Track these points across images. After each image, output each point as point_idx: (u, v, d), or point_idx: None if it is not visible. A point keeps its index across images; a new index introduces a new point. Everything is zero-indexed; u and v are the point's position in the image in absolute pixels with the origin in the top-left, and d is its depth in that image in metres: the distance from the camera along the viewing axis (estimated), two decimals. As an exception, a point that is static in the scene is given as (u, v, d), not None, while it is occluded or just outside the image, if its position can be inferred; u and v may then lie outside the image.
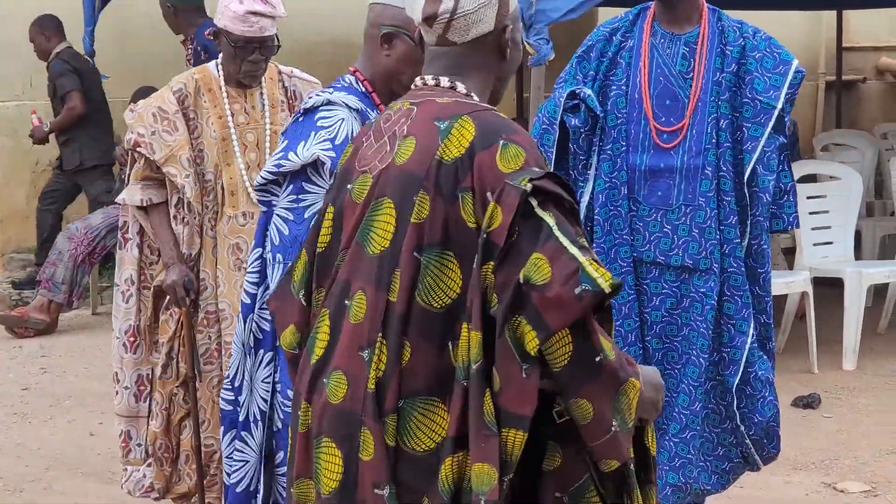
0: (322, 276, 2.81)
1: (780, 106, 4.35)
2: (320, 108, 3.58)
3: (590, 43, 4.54)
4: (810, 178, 8.73)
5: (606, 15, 10.88)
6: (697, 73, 4.38)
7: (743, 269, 4.43)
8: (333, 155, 3.47)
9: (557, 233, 2.50)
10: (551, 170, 2.63)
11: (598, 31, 4.56)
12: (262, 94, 4.91)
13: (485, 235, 2.53)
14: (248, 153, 4.86)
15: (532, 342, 2.48)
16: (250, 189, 4.78)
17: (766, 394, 4.47)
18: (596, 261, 2.50)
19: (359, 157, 2.78)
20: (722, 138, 4.37)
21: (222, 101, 4.87)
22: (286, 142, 3.59)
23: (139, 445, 5.09)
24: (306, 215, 3.49)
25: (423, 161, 2.63)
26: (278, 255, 3.57)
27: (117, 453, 6.22)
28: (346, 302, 2.69)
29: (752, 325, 4.46)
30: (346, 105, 3.54)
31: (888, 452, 6.36)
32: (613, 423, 2.52)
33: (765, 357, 4.50)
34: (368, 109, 3.56)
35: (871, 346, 8.22)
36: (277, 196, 3.59)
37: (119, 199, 5.00)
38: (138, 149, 4.82)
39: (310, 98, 3.64)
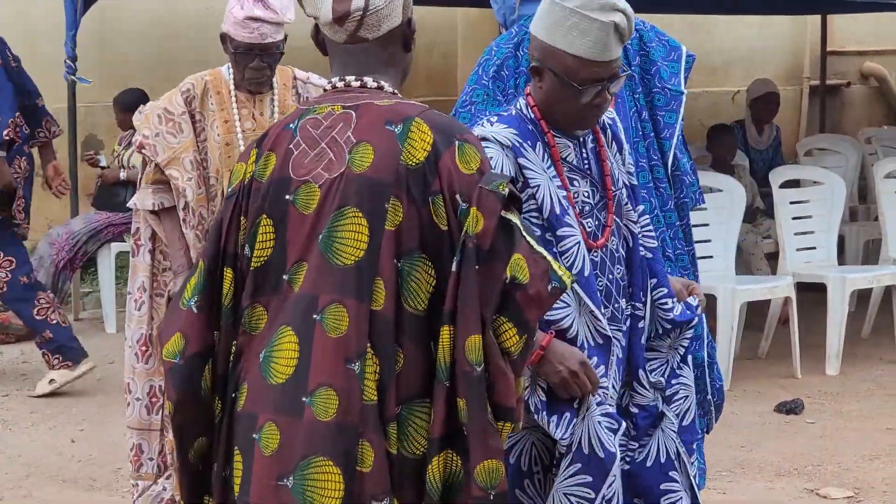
0: (261, 292, 2.72)
1: (685, 91, 4.43)
2: None
3: (498, 62, 4.45)
4: (794, 183, 8.73)
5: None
6: None
7: (685, 249, 4.54)
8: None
9: (525, 234, 2.62)
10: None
11: (500, 50, 4.48)
12: (272, 100, 4.82)
13: (473, 240, 2.58)
14: None
15: (512, 339, 2.61)
16: None
17: (715, 357, 4.60)
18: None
19: (292, 166, 2.71)
20: (647, 129, 4.43)
21: (230, 105, 4.80)
22: None
23: (151, 459, 4.97)
24: None
25: (388, 167, 2.63)
26: None
27: (98, 460, 6.23)
28: (316, 316, 2.63)
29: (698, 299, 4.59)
30: (499, 142, 3.39)
31: (871, 458, 6.36)
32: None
33: (706, 326, 4.62)
34: (526, 143, 3.40)
35: (854, 351, 8.22)
36: None
37: (130, 203, 4.94)
38: (143, 150, 4.77)
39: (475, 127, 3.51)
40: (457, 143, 2.65)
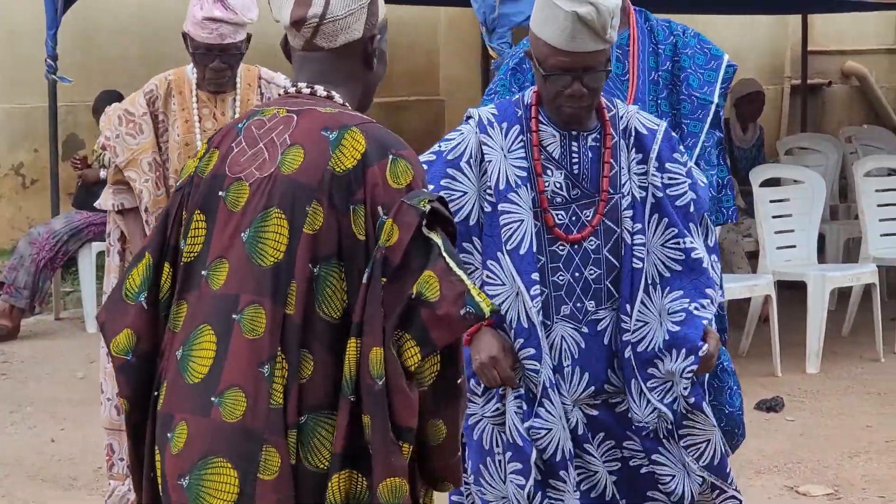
0: (186, 288, 2.68)
1: (716, 101, 4.36)
2: (464, 121, 3.64)
3: (520, 56, 4.43)
4: (774, 182, 8.76)
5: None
6: (632, 74, 4.37)
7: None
8: (424, 168, 3.54)
9: (445, 254, 2.54)
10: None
11: (526, 42, 4.54)
12: (235, 99, 4.82)
13: (383, 251, 2.54)
14: None
15: (413, 358, 2.52)
16: None
17: (731, 384, 4.44)
18: (477, 286, 2.58)
19: (229, 163, 2.69)
20: None
21: (191, 104, 4.80)
22: None
23: (121, 460, 4.98)
24: None
25: (315, 171, 2.60)
26: None
27: (78, 459, 6.22)
28: (235, 316, 2.59)
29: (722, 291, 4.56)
30: (480, 118, 3.56)
31: (851, 455, 6.38)
32: (458, 446, 2.63)
33: (723, 348, 4.53)
34: (498, 123, 3.55)
35: (834, 349, 8.25)
36: None
37: (97, 204, 4.96)
38: (105, 151, 4.78)
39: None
40: (391, 156, 2.61)
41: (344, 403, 2.55)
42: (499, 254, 3.48)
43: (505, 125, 3.55)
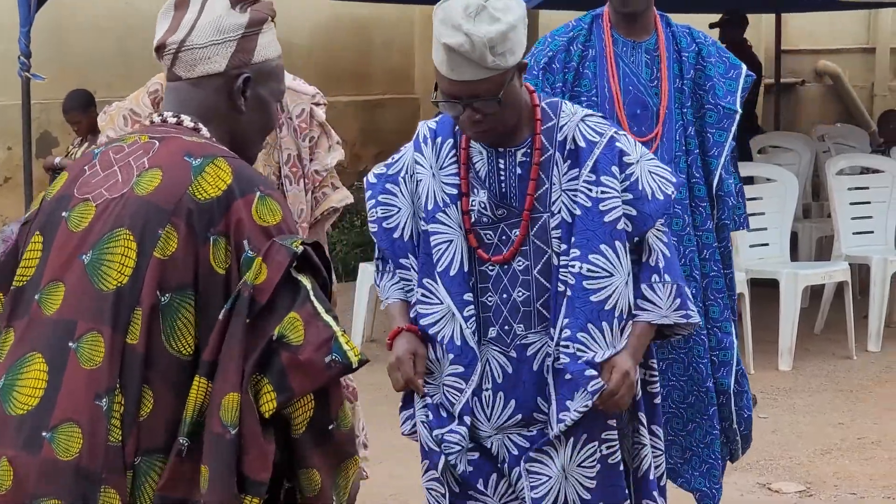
0: (15, 315, 2.46)
1: (740, 110, 4.38)
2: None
3: (550, 53, 4.45)
4: (747, 181, 8.77)
5: (547, 18, 10.91)
6: (663, 78, 4.37)
7: (722, 272, 4.47)
8: (374, 181, 3.55)
9: (313, 298, 2.38)
10: None
11: (554, 42, 4.47)
12: None
13: (250, 289, 2.35)
14: None
15: (269, 404, 2.34)
16: None
17: (747, 386, 4.57)
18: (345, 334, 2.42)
19: (78, 185, 2.49)
20: (692, 145, 4.38)
21: None
22: None
23: None
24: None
25: (173, 194, 2.41)
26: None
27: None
28: (72, 345, 2.38)
29: (733, 325, 4.55)
30: (418, 133, 3.51)
31: (823, 452, 6.41)
32: (333, 498, 2.44)
33: (738, 353, 4.60)
34: (432, 139, 3.49)
35: (806, 346, 8.29)
36: None
37: None
38: None
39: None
40: (259, 193, 2.43)
41: (175, 447, 2.35)
42: (434, 273, 3.41)
43: (440, 140, 3.45)
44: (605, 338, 3.37)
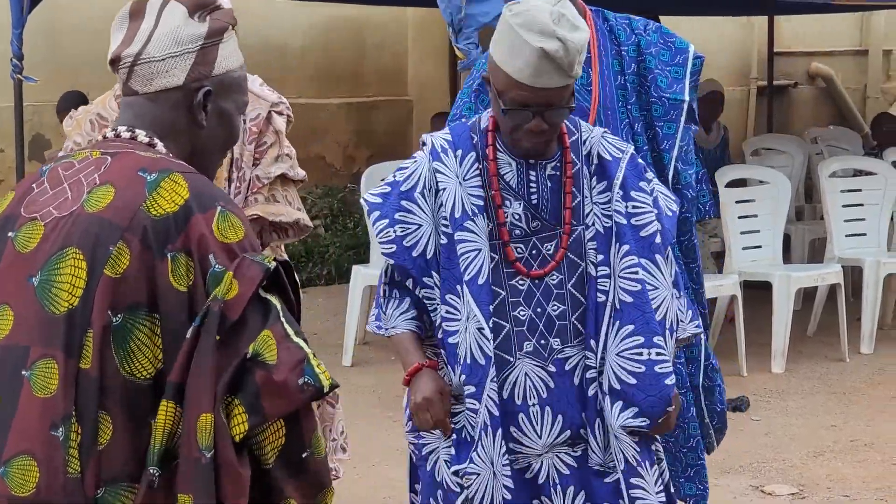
0: None
1: (686, 98, 4.21)
2: (420, 147, 3.47)
3: (484, 73, 4.44)
4: (740, 183, 8.80)
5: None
6: (595, 81, 4.18)
7: (682, 267, 4.29)
8: (379, 201, 3.40)
9: (283, 318, 2.25)
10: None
11: (484, 65, 4.43)
12: None
13: (220, 304, 2.22)
14: None
15: (240, 426, 2.20)
16: None
17: (719, 380, 4.45)
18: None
19: (25, 203, 2.36)
20: (639, 142, 4.21)
21: None
22: None
23: None
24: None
25: (126, 210, 2.28)
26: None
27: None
28: (25, 372, 2.25)
29: (698, 318, 4.42)
30: (433, 144, 3.40)
31: (816, 455, 6.41)
32: None
33: (709, 345, 4.46)
34: (452, 150, 3.38)
35: (799, 349, 8.30)
36: None
37: None
38: None
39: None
40: (219, 208, 2.30)
41: (145, 478, 2.22)
42: (457, 286, 3.31)
43: (460, 152, 3.37)
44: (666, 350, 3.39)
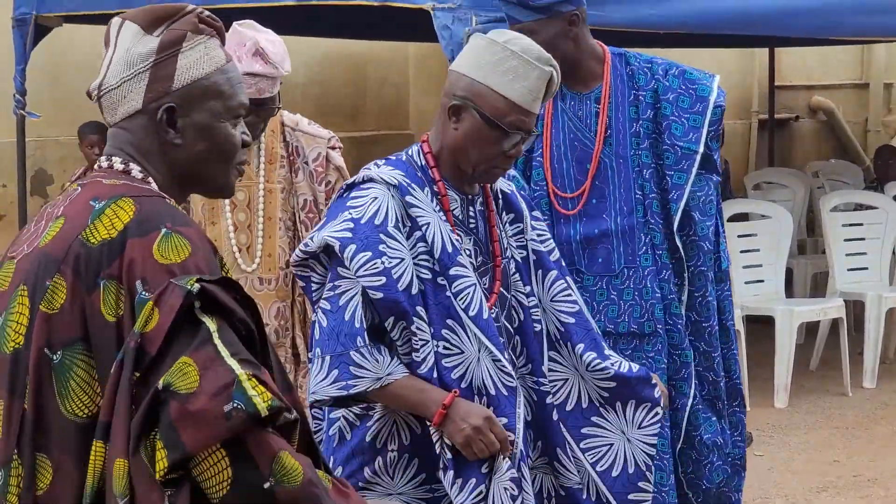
0: None
1: (701, 149, 4.13)
2: (359, 185, 3.26)
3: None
4: (741, 217, 8.80)
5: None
6: (601, 130, 4.15)
7: (681, 326, 4.18)
8: (349, 235, 3.15)
9: (217, 339, 2.08)
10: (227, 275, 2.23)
11: None
12: (259, 148, 4.50)
13: (137, 339, 2.09)
14: (237, 213, 4.47)
15: (161, 463, 2.03)
16: (237, 253, 4.47)
17: (714, 458, 4.25)
18: (260, 378, 2.07)
19: (14, 244, 2.33)
20: (647, 189, 4.15)
21: None
22: (323, 220, 3.29)
23: None
24: (340, 303, 3.16)
25: (64, 242, 2.19)
26: (316, 350, 3.20)
27: None
28: None
29: (693, 385, 4.21)
30: (385, 181, 3.22)
31: (819, 490, 6.39)
32: None
33: (712, 419, 4.25)
34: (414, 185, 3.25)
35: (802, 383, 8.28)
36: (318, 275, 3.27)
37: None
38: None
39: (361, 171, 3.33)
40: (164, 230, 2.16)
41: None
42: (450, 321, 3.19)
43: (416, 187, 3.26)
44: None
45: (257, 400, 2.04)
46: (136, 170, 2.29)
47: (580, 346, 3.45)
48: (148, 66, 2.28)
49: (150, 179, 2.29)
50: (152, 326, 2.09)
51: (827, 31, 8.35)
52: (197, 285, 2.10)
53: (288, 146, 4.53)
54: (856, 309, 9.10)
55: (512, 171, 4.12)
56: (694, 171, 4.13)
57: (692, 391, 4.22)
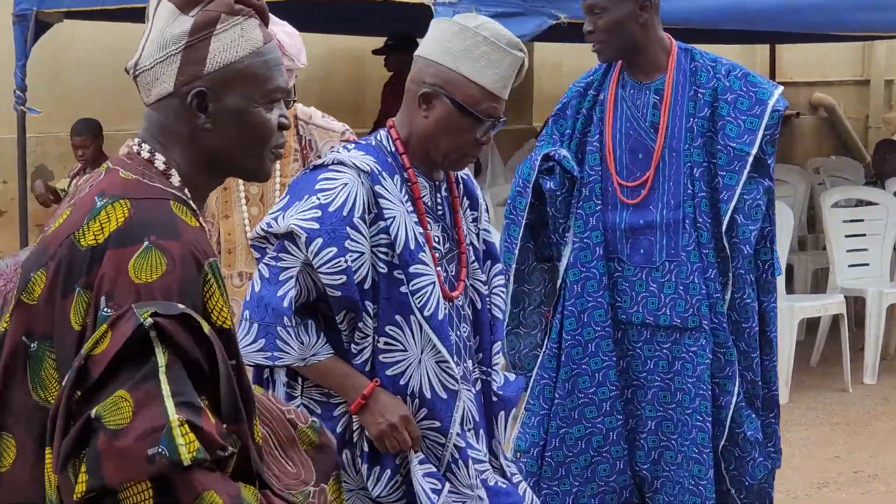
0: None
1: (754, 151, 4.14)
2: (329, 166, 3.20)
3: (565, 100, 4.37)
4: (742, 213, 8.78)
5: (540, 49, 10.93)
6: (663, 122, 4.19)
7: (725, 324, 4.23)
8: (316, 226, 3.11)
9: (162, 375, 2.03)
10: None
11: (572, 88, 4.38)
12: None
13: (82, 361, 2.05)
14: (250, 206, 4.49)
15: (80, 485, 2.01)
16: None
17: (756, 454, 4.32)
18: (194, 425, 2.02)
19: (52, 215, 2.32)
20: (696, 188, 4.17)
21: None
22: (287, 197, 3.22)
23: None
24: (280, 278, 3.15)
25: (58, 237, 2.17)
26: (245, 312, 3.20)
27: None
28: None
29: (736, 383, 4.27)
30: (357, 167, 3.17)
31: (820, 486, 6.39)
32: None
33: (753, 416, 4.33)
34: (385, 173, 3.19)
35: (802, 379, 8.28)
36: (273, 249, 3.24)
37: None
38: None
39: (328, 152, 3.32)
40: (146, 243, 2.09)
41: None
42: (399, 317, 3.17)
43: (385, 174, 3.21)
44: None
45: (182, 449, 2.00)
46: (159, 160, 2.23)
47: (497, 346, 3.47)
48: (180, 49, 2.21)
49: (173, 171, 2.23)
50: (101, 350, 2.05)
51: (828, 27, 8.36)
52: (150, 320, 2.04)
53: (301, 140, 4.51)
54: (856, 305, 9.09)
55: (563, 152, 4.21)
56: (745, 173, 4.16)
57: (736, 388, 4.28)
